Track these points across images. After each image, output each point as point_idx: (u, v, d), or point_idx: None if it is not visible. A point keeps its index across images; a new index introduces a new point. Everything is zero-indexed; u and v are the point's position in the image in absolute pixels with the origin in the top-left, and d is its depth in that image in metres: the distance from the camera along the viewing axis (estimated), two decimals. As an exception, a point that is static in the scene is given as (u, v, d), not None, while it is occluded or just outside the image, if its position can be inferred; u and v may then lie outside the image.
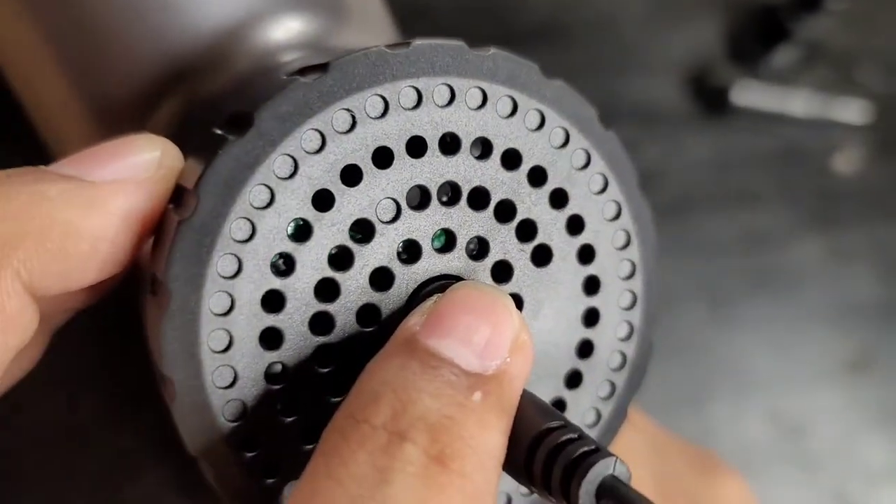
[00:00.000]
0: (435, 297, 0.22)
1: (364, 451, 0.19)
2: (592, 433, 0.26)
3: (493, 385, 0.21)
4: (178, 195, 0.22)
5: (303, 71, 0.22)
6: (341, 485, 0.19)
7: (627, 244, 0.25)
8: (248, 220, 0.21)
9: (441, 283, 0.23)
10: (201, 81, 0.28)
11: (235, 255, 0.21)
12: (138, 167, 0.22)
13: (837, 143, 0.56)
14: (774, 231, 0.54)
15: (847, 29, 0.57)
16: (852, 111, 0.56)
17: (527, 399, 0.22)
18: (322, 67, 0.22)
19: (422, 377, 0.20)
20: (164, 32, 0.28)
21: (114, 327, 0.39)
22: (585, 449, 0.20)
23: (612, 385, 0.26)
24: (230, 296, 0.21)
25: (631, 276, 0.26)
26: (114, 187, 0.22)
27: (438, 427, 0.19)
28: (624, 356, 0.26)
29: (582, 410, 0.26)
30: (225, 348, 0.22)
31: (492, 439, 0.20)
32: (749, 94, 0.55)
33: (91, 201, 0.21)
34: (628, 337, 0.26)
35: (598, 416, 0.26)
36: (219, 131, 0.22)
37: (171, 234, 0.21)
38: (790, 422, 0.51)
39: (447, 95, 0.23)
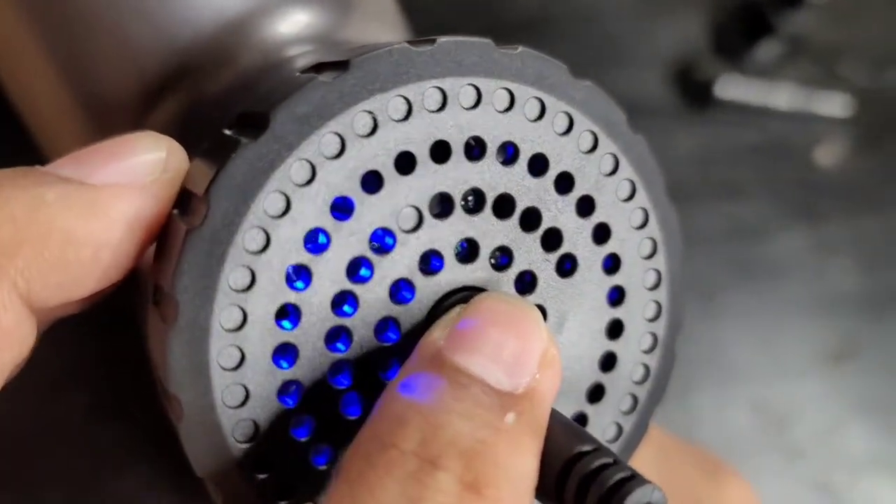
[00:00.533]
0: (458, 309, 0.20)
1: (392, 478, 0.17)
2: (613, 448, 0.24)
3: (525, 405, 0.19)
4: (184, 200, 0.20)
5: (319, 68, 0.20)
6: None
7: (654, 253, 0.23)
8: (263, 229, 0.19)
9: (463, 294, 0.21)
10: (204, 77, 0.25)
11: (248, 267, 0.19)
12: (142, 169, 0.20)
13: (820, 136, 0.55)
14: (758, 223, 0.53)
15: (830, 23, 0.56)
16: (835, 105, 0.55)
17: (555, 418, 0.20)
18: (342, 65, 0.19)
19: (451, 397, 0.18)
20: (162, 24, 0.25)
21: (99, 324, 0.37)
22: (621, 476, 0.18)
23: (635, 398, 0.24)
24: (242, 310, 0.19)
25: (656, 285, 0.24)
26: (116, 191, 0.19)
27: (471, 453, 0.17)
28: (647, 369, 0.24)
29: (603, 425, 0.24)
30: (236, 366, 0.19)
31: (526, 463, 0.18)
32: (733, 88, 0.53)
33: (92, 206, 0.19)
34: (652, 349, 0.24)
35: (620, 430, 0.24)
36: (229, 132, 0.20)
37: (178, 243, 0.19)
38: (774, 412, 0.49)
39: (473, 97, 0.20)
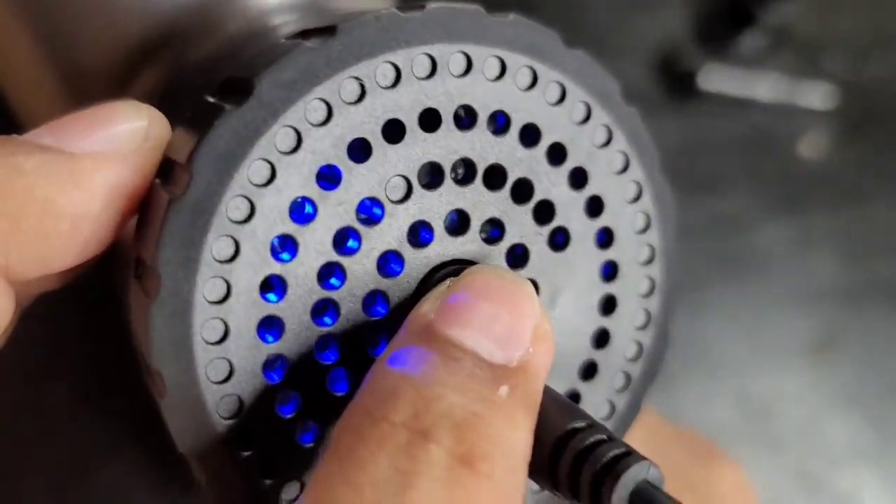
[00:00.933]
0: (448, 282, 0.19)
1: (384, 452, 0.16)
2: (606, 426, 0.23)
3: (518, 378, 0.18)
4: (167, 169, 0.19)
5: (306, 34, 0.19)
6: (360, 491, 0.16)
7: (647, 227, 0.23)
8: (247, 198, 0.18)
9: (454, 268, 0.20)
10: (187, 45, 0.24)
11: (232, 237, 0.18)
12: (123, 137, 0.19)
13: (803, 128, 0.55)
14: (741, 215, 0.52)
15: (812, 15, 0.55)
16: (817, 96, 0.54)
17: (548, 395, 0.19)
18: (329, 31, 0.19)
19: (444, 370, 0.17)
20: None
21: (80, 308, 0.36)
22: (616, 452, 0.18)
23: (628, 376, 0.23)
24: (226, 282, 0.18)
25: (650, 261, 0.23)
26: (97, 160, 0.18)
27: (464, 425, 0.17)
28: (640, 346, 0.23)
29: (596, 403, 0.23)
30: (220, 339, 0.19)
31: (520, 438, 0.18)
32: (716, 79, 0.53)
33: (72, 175, 0.18)
34: (645, 325, 0.23)
35: (613, 408, 0.23)
36: (212, 99, 0.19)
37: (160, 213, 0.18)
38: (756, 403, 0.49)
39: (463, 64, 0.20)
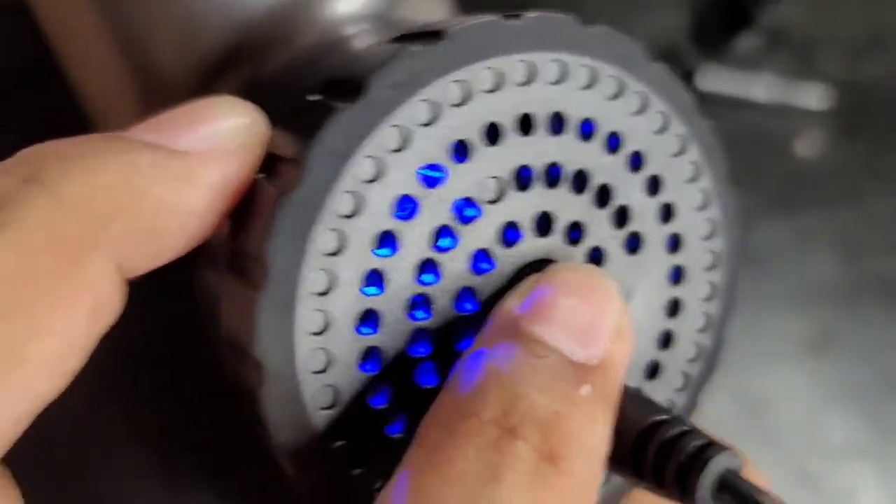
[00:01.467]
0: (534, 278, 0.20)
1: (473, 447, 0.17)
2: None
3: (598, 376, 0.19)
4: (271, 165, 0.20)
5: (407, 38, 0.20)
6: (448, 482, 0.17)
7: (712, 234, 0.24)
8: (354, 194, 0.19)
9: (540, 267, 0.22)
10: (261, 56, 0.25)
11: (339, 232, 0.19)
12: (228, 134, 0.19)
13: (799, 127, 0.56)
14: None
15: (809, 15, 0.57)
16: (814, 96, 0.56)
17: (626, 390, 0.20)
18: (435, 35, 0.20)
19: (528, 368, 0.19)
20: (224, 1, 0.25)
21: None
22: (700, 443, 0.19)
23: (687, 376, 0.25)
24: (330, 274, 0.19)
25: (713, 267, 0.24)
26: (205, 157, 0.19)
27: (548, 424, 0.18)
28: (699, 347, 0.25)
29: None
30: (321, 330, 0.20)
31: (599, 434, 0.19)
32: (712, 79, 0.54)
33: (182, 173, 0.19)
34: (705, 328, 0.25)
35: (672, 407, 0.25)
36: (318, 98, 0.20)
37: (268, 208, 0.19)
38: (753, 400, 0.51)
39: (557, 72, 0.21)
